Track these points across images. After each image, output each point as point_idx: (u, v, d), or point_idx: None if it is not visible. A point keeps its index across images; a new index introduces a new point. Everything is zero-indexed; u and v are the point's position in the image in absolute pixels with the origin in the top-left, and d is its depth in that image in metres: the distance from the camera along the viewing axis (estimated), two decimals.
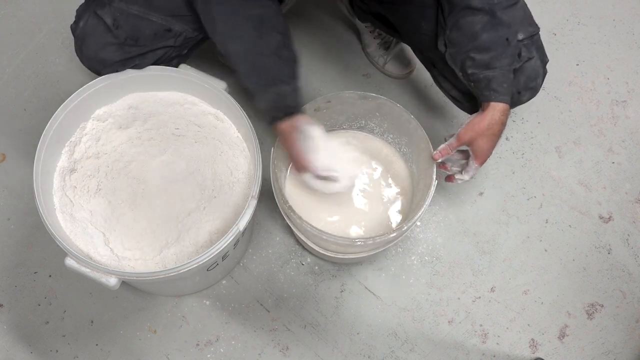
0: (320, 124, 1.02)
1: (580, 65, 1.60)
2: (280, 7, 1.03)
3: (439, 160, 1.09)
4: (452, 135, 1.08)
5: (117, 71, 1.11)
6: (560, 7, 1.67)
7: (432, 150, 1.10)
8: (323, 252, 1.15)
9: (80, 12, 1.11)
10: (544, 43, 1.11)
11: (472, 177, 1.11)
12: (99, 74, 1.12)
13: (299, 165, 1.03)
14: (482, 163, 1.07)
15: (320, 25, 1.59)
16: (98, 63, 1.10)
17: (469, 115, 1.09)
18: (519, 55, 1.05)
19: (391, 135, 1.27)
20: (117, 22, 1.07)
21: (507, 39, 1.00)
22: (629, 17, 1.68)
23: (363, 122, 1.27)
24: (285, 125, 1.00)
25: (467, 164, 1.10)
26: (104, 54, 1.09)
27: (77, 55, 1.13)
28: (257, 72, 0.99)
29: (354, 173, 1.08)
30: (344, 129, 1.30)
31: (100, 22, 1.08)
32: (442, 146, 1.08)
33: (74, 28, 1.12)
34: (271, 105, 0.99)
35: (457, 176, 1.12)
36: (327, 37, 1.58)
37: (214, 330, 1.24)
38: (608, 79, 1.58)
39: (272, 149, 1.10)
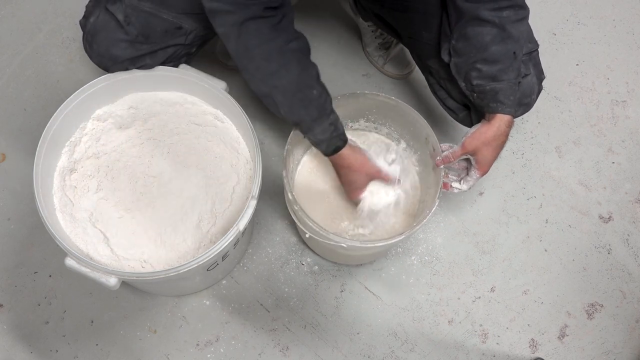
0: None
1: (580, 65, 1.60)
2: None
3: (442, 167, 1.09)
4: (451, 146, 1.09)
5: (126, 69, 1.10)
6: (560, 7, 1.67)
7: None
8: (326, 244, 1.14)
9: (91, 8, 1.10)
10: (544, 43, 1.12)
11: (470, 188, 1.11)
12: (108, 70, 1.11)
13: (380, 177, 1.07)
14: (483, 174, 1.08)
15: (321, 25, 1.59)
16: (108, 60, 1.09)
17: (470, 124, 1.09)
18: None
19: (396, 132, 1.27)
20: (129, 18, 1.06)
21: (514, 53, 1.00)
22: (629, 17, 1.68)
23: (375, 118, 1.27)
24: (346, 150, 1.02)
25: (467, 174, 1.10)
26: (115, 50, 1.08)
27: (86, 51, 1.11)
28: (307, 105, 0.97)
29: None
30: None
31: (111, 18, 1.07)
32: (445, 153, 1.09)
33: (84, 23, 1.11)
34: (328, 136, 0.99)
35: (455, 184, 1.12)
36: (327, 36, 1.57)
37: (214, 330, 1.24)
38: (608, 79, 1.58)
39: (285, 148, 1.09)
